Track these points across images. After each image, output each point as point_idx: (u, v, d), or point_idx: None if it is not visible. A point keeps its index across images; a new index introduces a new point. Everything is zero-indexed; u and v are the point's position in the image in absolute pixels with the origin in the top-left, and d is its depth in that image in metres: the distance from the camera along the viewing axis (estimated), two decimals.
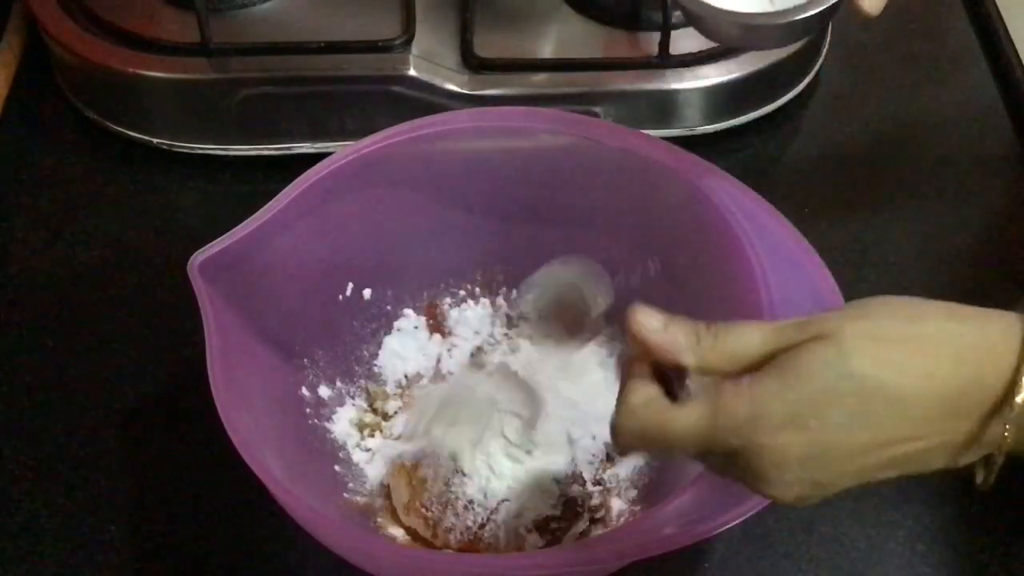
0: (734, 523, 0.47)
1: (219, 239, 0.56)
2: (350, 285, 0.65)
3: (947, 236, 0.76)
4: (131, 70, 0.74)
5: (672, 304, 0.62)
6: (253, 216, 0.58)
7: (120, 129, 0.77)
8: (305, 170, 0.60)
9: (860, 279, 0.72)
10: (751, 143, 0.80)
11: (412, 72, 0.74)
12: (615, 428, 0.44)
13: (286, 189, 0.59)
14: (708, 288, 0.60)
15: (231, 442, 0.50)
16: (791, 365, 0.40)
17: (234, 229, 0.57)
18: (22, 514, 0.61)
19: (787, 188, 0.78)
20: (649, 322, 0.43)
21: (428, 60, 0.74)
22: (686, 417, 0.41)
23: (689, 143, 0.78)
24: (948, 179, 0.79)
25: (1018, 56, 0.83)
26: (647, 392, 0.43)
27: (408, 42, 0.75)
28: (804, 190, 0.78)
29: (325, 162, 0.60)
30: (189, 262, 0.55)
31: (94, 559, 0.60)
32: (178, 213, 0.76)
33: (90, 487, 0.62)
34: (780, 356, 0.41)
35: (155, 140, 0.77)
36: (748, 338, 0.42)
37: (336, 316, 0.65)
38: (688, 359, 0.42)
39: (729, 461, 0.42)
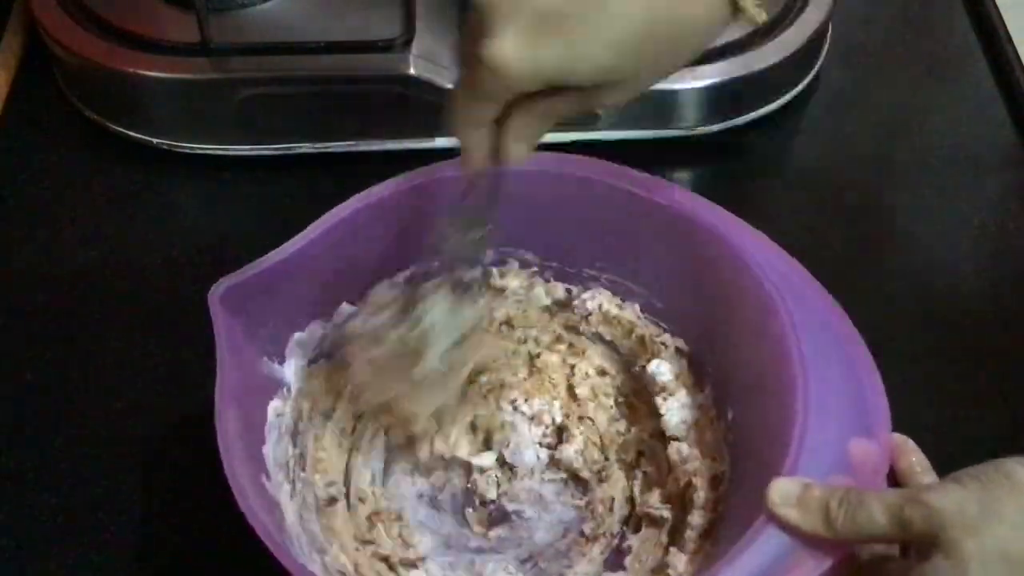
0: None
1: (241, 270, 0.55)
2: None
3: (947, 235, 0.76)
4: (131, 70, 0.74)
5: (705, 369, 0.60)
6: (279, 248, 0.56)
7: (120, 129, 0.77)
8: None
9: (860, 279, 0.72)
10: (751, 143, 0.80)
11: (412, 72, 0.74)
12: None
13: (315, 222, 0.57)
14: (737, 344, 0.59)
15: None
16: None
17: (258, 260, 0.55)
18: (22, 515, 0.61)
19: (787, 188, 0.79)
20: (785, 499, 0.47)
21: (428, 60, 0.74)
22: None
23: (689, 143, 0.78)
24: (948, 178, 0.79)
25: (1018, 55, 0.83)
26: None
27: (408, 42, 0.75)
28: (804, 190, 0.78)
29: (357, 198, 0.58)
30: (210, 291, 0.53)
31: (93, 559, 0.60)
32: (178, 213, 0.76)
33: (89, 487, 0.62)
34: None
35: (155, 140, 0.77)
36: (877, 516, 0.45)
37: None
38: (822, 532, 0.46)
39: None
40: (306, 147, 0.76)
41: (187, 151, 0.77)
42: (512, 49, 0.45)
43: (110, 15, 0.77)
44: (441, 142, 0.75)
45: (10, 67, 0.81)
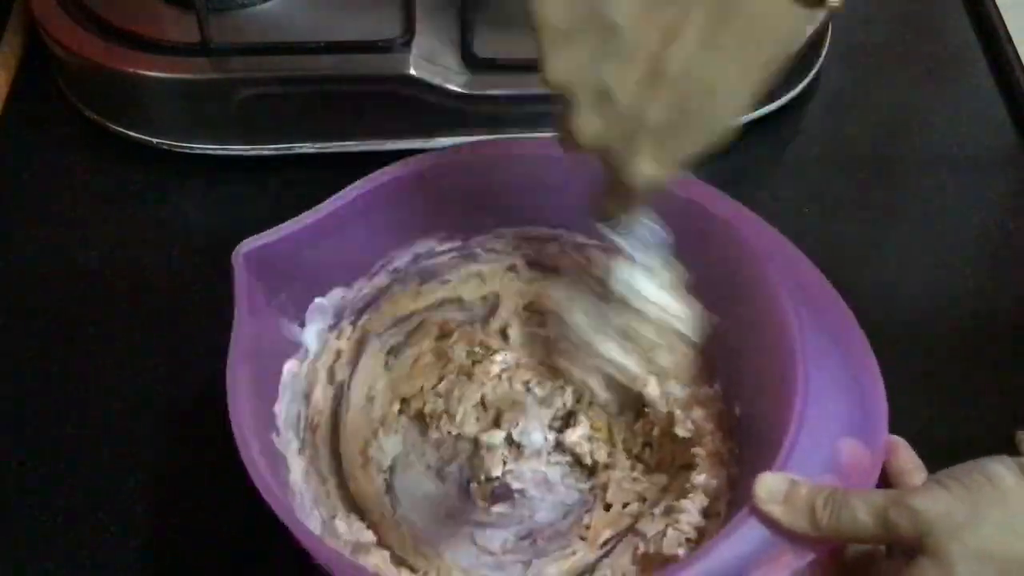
0: None
1: (266, 232, 0.56)
2: None
3: (947, 235, 0.76)
4: (131, 70, 0.74)
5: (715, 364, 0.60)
6: (304, 214, 0.57)
7: (120, 129, 0.77)
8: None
9: (860, 279, 0.72)
10: (751, 143, 0.79)
11: (412, 72, 0.74)
12: None
13: (344, 190, 0.58)
14: (746, 340, 0.59)
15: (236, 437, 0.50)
16: None
17: (282, 225, 0.57)
18: (22, 515, 0.61)
19: (787, 188, 0.79)
20: (771, 496, 0.48)
21: (428, 60, 0.74)
22: None
23: None
24: (948, 179, 0.79)
25: (1018, 56, 0.84)
26: None
27: (408, 42, 0.75)
28: (804, 190, 0.78)
29: (390, 168, 0.60)
30: (235, 251, 0.55)
31: (93, 559, 0.60)
32: (178, 213, 0.76)
33: (90, 487, 0.62)
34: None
35: (155, 140, 0.77)
36: (862, 517, 0.45)
37: None
38: (806, 530, 0.47)
39: None
40: (306, 147, 0.76)
41: (187, 151, 0.77)
42: (653, 168, 0.47)
43: (110, 15, 0.76)
44: (441, 142, 0.75)
45: (10, 67, 0.81)
